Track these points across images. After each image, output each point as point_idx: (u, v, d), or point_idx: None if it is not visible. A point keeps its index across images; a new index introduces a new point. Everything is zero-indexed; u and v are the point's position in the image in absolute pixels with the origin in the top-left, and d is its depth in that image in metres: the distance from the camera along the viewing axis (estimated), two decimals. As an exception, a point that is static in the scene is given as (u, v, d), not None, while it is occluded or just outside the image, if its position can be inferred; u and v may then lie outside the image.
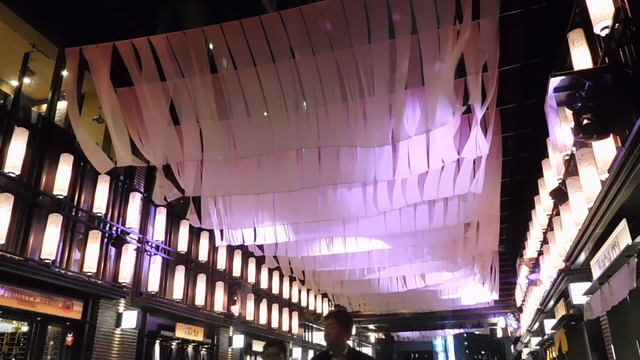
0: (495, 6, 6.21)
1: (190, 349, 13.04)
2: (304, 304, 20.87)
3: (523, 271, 15.46)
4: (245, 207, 10.24)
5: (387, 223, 10.67)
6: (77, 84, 7.87)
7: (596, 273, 6.71)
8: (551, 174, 8.65)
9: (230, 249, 14.60)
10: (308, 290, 20.69)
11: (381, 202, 9.51)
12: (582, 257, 7.19)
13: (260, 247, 12.19)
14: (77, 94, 7.88)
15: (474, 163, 8.66)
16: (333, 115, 7.36)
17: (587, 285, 7.25)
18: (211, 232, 12.03)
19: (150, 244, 11.44)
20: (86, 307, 9.40)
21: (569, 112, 5.87)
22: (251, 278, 15.95)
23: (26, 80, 9.11)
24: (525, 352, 21.14)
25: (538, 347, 16.66)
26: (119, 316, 10.14)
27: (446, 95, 6.76)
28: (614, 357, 7.55)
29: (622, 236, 5.38)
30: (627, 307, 6.49)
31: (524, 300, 17.81)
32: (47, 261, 8.32)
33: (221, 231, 11.05)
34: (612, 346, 7.74)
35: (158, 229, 11.62)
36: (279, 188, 9.16)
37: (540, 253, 12.24)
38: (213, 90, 7.29)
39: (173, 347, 12.38)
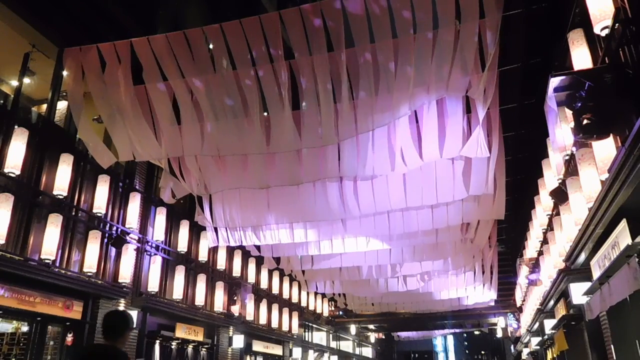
0: (497, 5, 6.19)
1: (190, 349, 13.05)
2: (304, 304, 20.88)
3: (523, 271, 15.43)
4: (247, 207, 10.20)
5: (388, 223, 10.64)
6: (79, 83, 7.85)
7: (596, 273, 6.71)
8: (551, 174, 8.64)
9: (230, 249, 14.60)
10: (308, 291, 20.68)
11: (382, 202, 9.49)
12: (582, 257, 7.18)
13: (258, 247, 12.16)
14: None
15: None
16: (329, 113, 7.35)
17: (587, 285, 7.24)
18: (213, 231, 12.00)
19: (150, 244, 11.44)
20: (86, 307, 9.40)
21: (569, 112, 5.87)
22: (251, 278, 15.95)
23: (26, 80, 9.11)
24: (525, 352, 21.11)
25: (538, 347, 16.64)
26: (119, 316, 10.12)
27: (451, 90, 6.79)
28: (614, 357, 7.55)
29: (622, 236, 5.37)
30: (627, 307, 6.49)
31: (524, 300, 17.80)
32: (47, 261, 8.33)
33: (215, 229, 10.97)
34: (612, 346, 7.74)
35: (158, 229, 11.62)
36: (282, 182, 9.14)
37: (540, 253, 12.22)
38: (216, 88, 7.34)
39: (173, 347, 12.38)
